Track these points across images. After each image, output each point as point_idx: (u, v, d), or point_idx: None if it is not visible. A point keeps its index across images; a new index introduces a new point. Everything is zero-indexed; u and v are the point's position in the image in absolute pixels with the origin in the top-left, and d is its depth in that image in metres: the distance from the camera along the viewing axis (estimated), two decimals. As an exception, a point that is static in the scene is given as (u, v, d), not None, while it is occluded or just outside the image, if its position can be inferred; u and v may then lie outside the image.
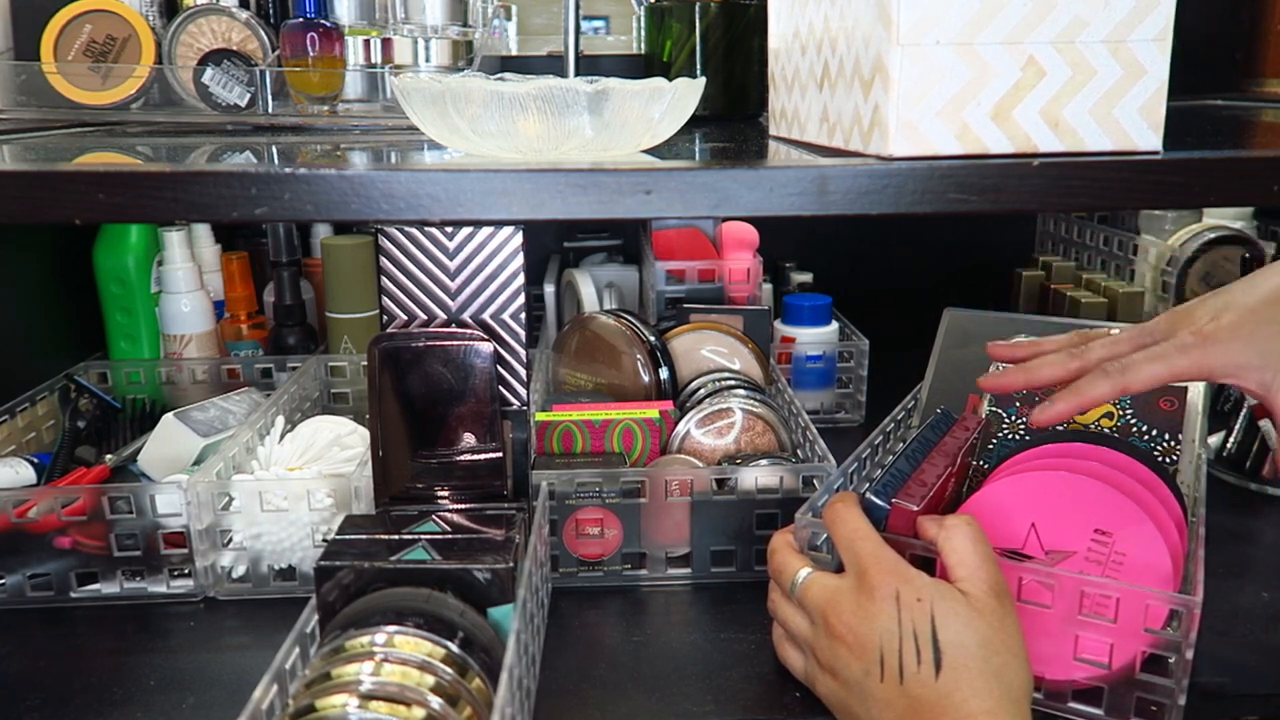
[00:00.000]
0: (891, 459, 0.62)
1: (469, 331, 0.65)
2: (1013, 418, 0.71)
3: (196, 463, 0.78)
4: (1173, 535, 0.58)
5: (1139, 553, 0.57)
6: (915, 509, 0.57)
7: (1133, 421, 0.68)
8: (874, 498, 0.58)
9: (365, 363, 0.72)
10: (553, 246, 1.21)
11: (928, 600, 0.50)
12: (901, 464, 0.60)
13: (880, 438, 0.77)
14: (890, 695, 0.49)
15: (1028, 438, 0.69)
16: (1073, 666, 0.56)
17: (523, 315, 0.68)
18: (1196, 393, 0.68)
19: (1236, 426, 0.87)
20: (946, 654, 0.48)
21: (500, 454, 0.66)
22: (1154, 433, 0.68)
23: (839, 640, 0.52)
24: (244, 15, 0.80)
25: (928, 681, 0.48)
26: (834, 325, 1.02)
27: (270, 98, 0.77)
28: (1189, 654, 0.53)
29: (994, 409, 0.72)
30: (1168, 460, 0.67)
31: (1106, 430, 0.68)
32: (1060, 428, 0.69)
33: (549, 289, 1.10)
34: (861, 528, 0.54)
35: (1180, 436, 0.67)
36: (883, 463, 0.77)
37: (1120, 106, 0.45)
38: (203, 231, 1.04)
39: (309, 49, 0.76)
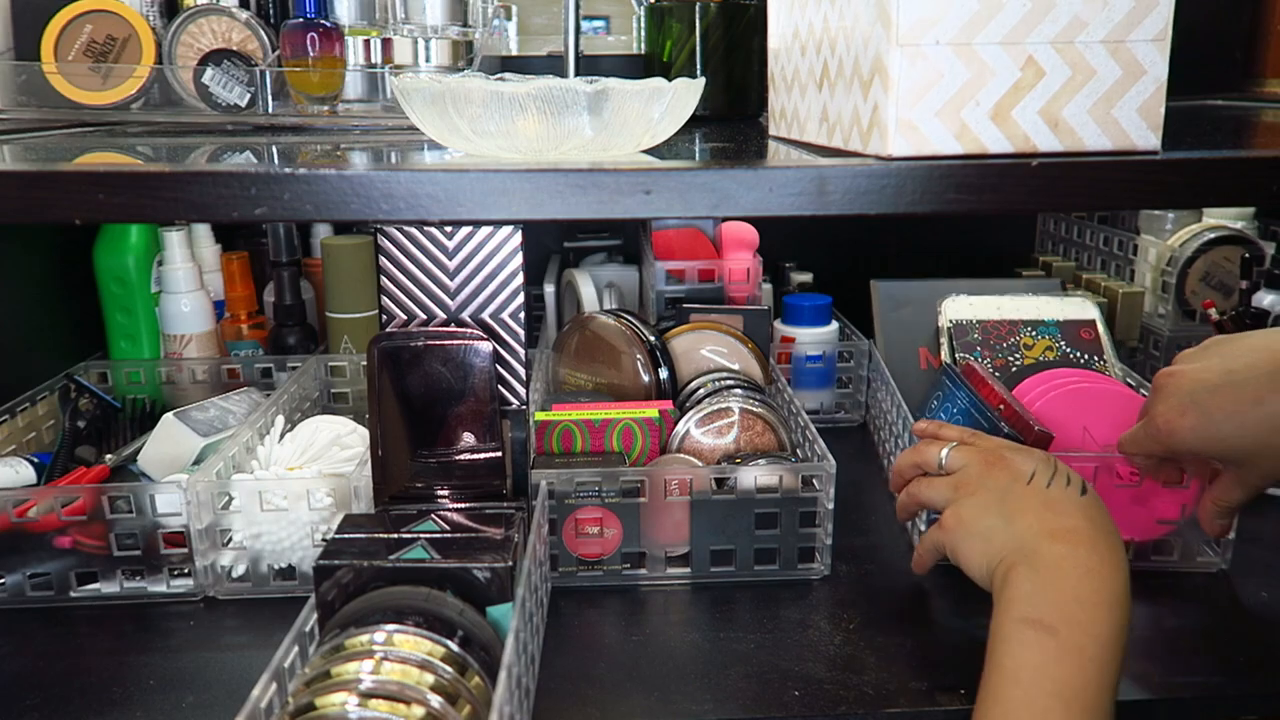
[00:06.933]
0: (991, 400, 0.75)
1: (468, 331, 0.66)
2: (977, 358, 0.87)
3: (196, 462, 0.78)
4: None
5: None
6: (1052, 435, 0.73)
7: (1068, 350, 0.87)
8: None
9: (365, 363, 0.72)
10: (553, 246, 1.21)
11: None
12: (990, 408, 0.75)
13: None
14: (1035, 498, 0.56)
15: (997, 374, 0.85)
16: (1154, 528, 0.72)
17: (522, 315, 0.68)
18: (1102, 326, 0.88)
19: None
20: (1090, 492, 0.56)
21: (500, 453, 0.66)
22: (1086, 356, 0.87)
23: (994, 466, 0.60)
24: (244, 15, 0.80)
25: (1073, 495, 0.56)
26: (834, 325, 1.02)
27: (270, 98, 0.77)
28: None
29: (952, 358, 0.87)
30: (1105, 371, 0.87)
31: (1053, 359, 0.86)
32: (1030, 362, 0.86)
33: (549, 289, 1.11)
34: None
35: (1103, 356, 0.87)
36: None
37: (1119, 107, 0.45)
38: (203, 231, 1.04)
39: (309, 49, 0.76)
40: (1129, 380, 0.85)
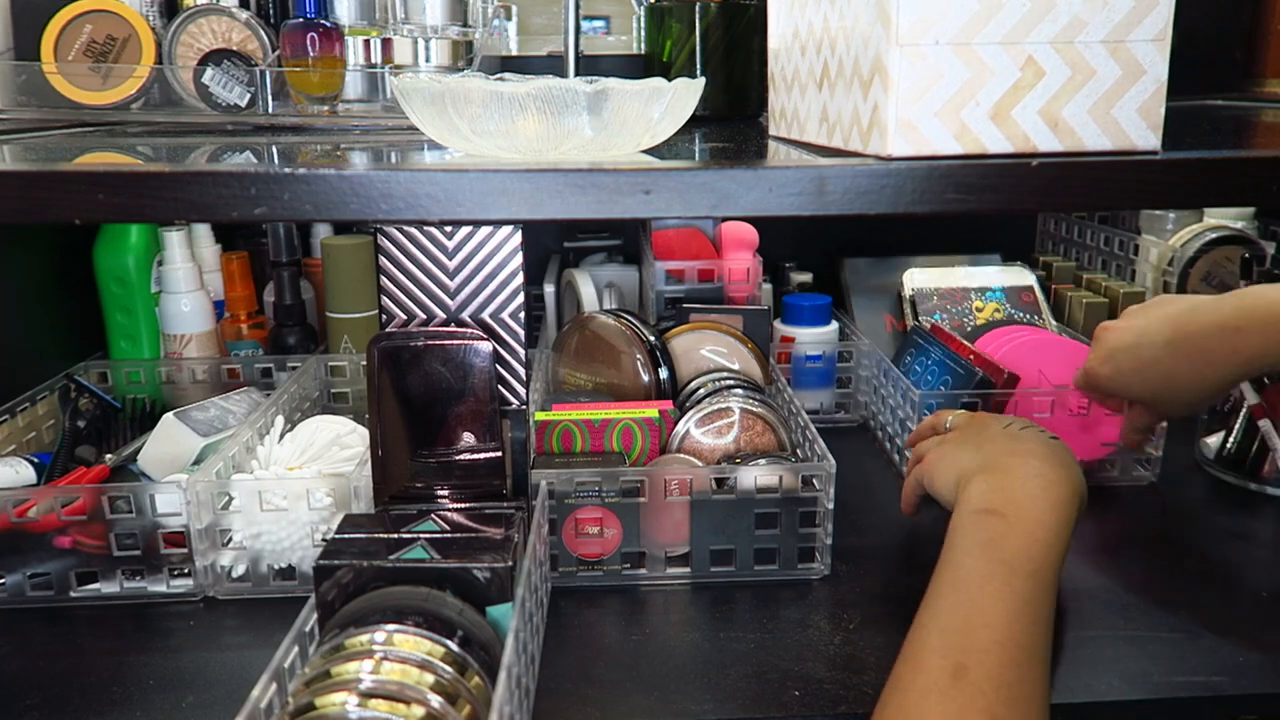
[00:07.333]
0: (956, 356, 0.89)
1: (468, 331, 0.66)
2: (939, 319, 1.01)
3: (196, 462, 0.78)
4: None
5: None
6: (1019, 376, 0.85)
7: (1013, 311, 1.03)
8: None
9: (365, 363, 0.72)
10: (553, 246, 1.21)
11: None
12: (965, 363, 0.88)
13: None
14: (1005, 434, 0.64)
15: (955, 333, 0.97)
16: (1098, 450, 0.87)
17: (522, 315, 0.68)
18: (1039, 290, 1.04)
19: (1236, 427, 0.87)
20: (1058, 440, 0.63)
21: (499, 453, 0.66)
22: (1028, 316, 1.02)
23: (977, 419, 0.70)
24: (244, 15, 0.80)
25: (1041, 438, 0.62)
26: (834, 325, 1.02)
27: (270, 98, 0.77)
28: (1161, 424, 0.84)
29: (916, 320, 1.02)
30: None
31: (1001, 319, 1.01)
32: (983, 322, 1.01)
33: (549, 289, 1.11)
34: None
35: (1041, 315, 1.02)
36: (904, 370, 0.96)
37: (1119, 107, 0.45)
38: (203, 231, 1.04)
39: (309, 49, 0.76)
40: (1065, 333, 1.00)
